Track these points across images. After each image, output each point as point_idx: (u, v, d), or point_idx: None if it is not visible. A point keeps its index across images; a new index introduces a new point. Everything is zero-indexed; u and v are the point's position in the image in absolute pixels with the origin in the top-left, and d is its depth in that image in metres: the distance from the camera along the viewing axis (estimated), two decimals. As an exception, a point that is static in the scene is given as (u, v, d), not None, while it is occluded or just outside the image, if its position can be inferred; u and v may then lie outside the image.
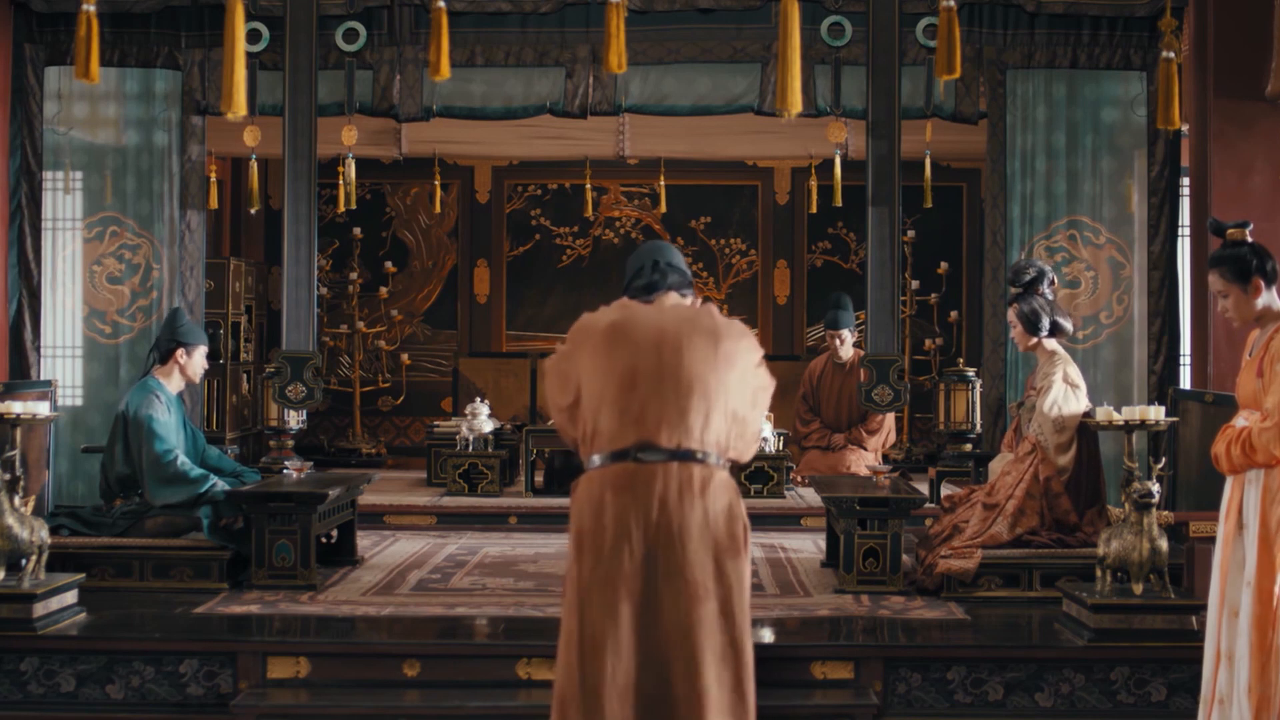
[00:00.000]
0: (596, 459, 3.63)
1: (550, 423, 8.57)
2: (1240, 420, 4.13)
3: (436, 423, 10.01)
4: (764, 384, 3.78)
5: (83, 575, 5.57)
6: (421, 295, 12.35)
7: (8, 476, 5.13)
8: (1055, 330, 6.17)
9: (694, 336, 3.66)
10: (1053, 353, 6.16)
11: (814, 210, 11.39)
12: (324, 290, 11.79)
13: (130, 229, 7.89)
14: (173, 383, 6.40)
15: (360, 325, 11.81)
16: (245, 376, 11.01)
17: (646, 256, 3.93)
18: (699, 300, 3.93)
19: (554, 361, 3.82)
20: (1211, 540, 4.57)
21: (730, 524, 3.59)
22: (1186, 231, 7.96)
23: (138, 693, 4.97)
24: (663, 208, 11.68)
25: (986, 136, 7.89)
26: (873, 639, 5.21)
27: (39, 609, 5.07)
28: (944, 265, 11.46)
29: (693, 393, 3.60)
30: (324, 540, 6.62)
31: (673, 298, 3.85)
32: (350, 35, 7.69)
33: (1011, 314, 6.24)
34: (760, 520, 7.58)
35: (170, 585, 5.99)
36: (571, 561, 3.63)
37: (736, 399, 3.66)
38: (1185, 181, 7.88)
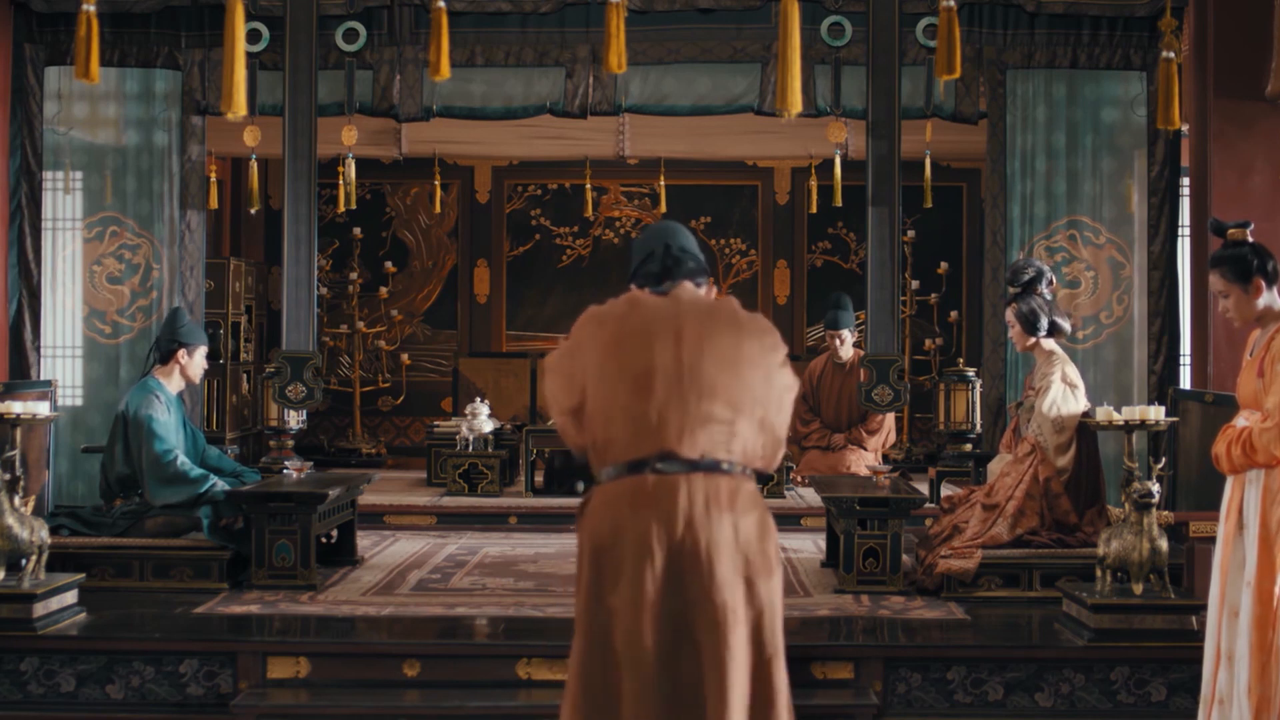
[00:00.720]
0: (610, 471, 3.26)
1: (551, 423, 8.61)
2: (1241, 420, 4.13)
3: (436, 423, 10.01)
4: (789, 384, 3.39)
5: (83, 575, 5.57)
6: (421, 295, 12.35)
7: (8, 476, 5.13)
8: (1053, 330, 6.17)
9: (715, 333, 3.29)
10: (1051, 353, 6.16)
11: (814, 210, 11.39)
12: (324, 290, 11.79)
13: (130, 229, 7.89)
14: (173, 383, 6.40)
15: (360, 325, 11.81)
16: (245, 376, 11.01)
17: (657, 240, 3.52)
18: (713, 290, 3.55)
19: (557, 359, 3.41)
20: (1211, 540, 4.57)
21: (762, 540, 3.23)
22: (1186, 231, 7.96)
23: (138, 693, 4.97)
24: (663, 208, 11.68)
25: (986, 136, 7.90)
26: (873, 639, 5.21)
27: (39, 609, 5.07)
28: (944, 265, 11.47)
29: (716, 396, 3.23)
30: (324, 540, 6.62)
31: (688, 288, 3.44)
32: (350, 35, 7.69)
33: (1010, 314, 6.24)
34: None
35: (170, 585, 5.99)
36: (585, 585, 3.25)
37: (762, 403, 3.29)
38: (1185, 181, 7.88)
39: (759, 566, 3.21)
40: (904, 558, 6.09)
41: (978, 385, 8.68)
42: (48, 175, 7.85)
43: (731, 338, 3.30)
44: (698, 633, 3.14)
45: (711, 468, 3.21)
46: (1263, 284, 4.16)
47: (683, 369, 3.23)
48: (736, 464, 3.24)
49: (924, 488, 7.81)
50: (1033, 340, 6.18)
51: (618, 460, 3.24)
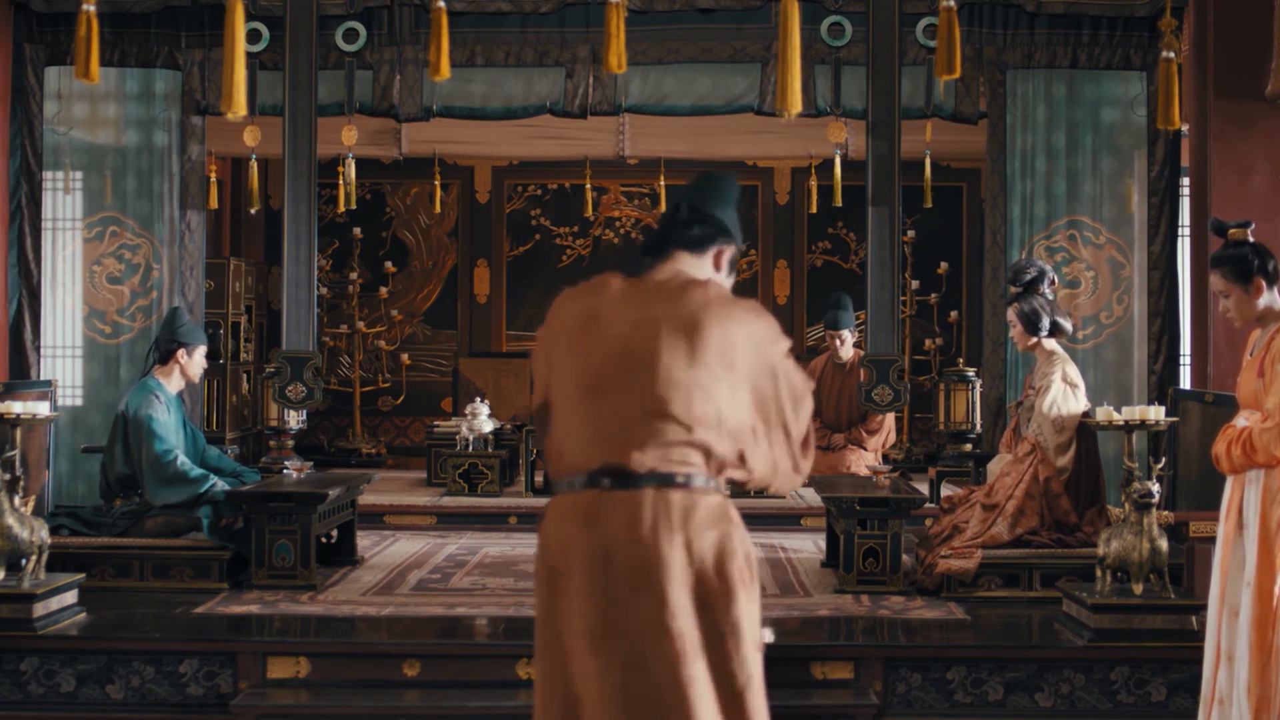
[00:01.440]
0: (563, 482, 2.90)
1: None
2: (1241, 420, 4.13)
3: (436, 423, 10.01)
4: (788, 381, 2.92)
5: (83, 575, 5.57)
6: (421, 295, 12.35)
7: (8, 476, 5.13)
8: (1055, 330, 6.17)
9: (674, 323, 2.84)
10: (1051, 353, 6.15)
11: (814, 210, 11.40)
12: (324, 290, 11.78)
13: (130, 229, 7.89)
14: (172, 383, 6.40)
15: (360, 325, 11.81)
16: (245, 376, 11.01)
17: (680, 198, 3.08)
18: (724, 257, 3.06)
19: (534, 346, 3.07)
20: (1211, 540, 4.57)
21: (722, 561, 2.80)
22: (1186, 231, 7.96)
23: (138, 693, 4.97)
24: (663, 208, 11.66)
25: (986, 136, 7.89)
26: (873, 639, 5.21)
27: (39, 609, 5.07)
28: (944, 265, 11.46)
29: (670, 400, 2.80)
30: (324, 540, 6.62)
31: (679, 263, 3.00)
32: (350, 35, 7.69)
33: (1011, 313, 6.24)
34: (760, 520, 7.60)
35: (170, 585, 5.99)
36: (540, 608, 2.92)
37: (732, 405, 2.84)
38: (1185, 181, 7.88)
39: (718, 591, 2.80)
40: (904, 558, 6.09)
41: (978, 385, 8.68)
42: (48, 175, 7.85)
43: (690, 328, 2.84)
44: (652, 665, 2.76)
45: (664, 481, 2.81)
46: (1263, 284, 4.16)
47: (635, 368, 2.83)
48: (696, 476, 2.82)
49: (924, 488, 7.81)
50: (1034, 340, 6.17)
51: (569, 470, 2.89)
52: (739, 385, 2.85)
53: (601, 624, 2.78)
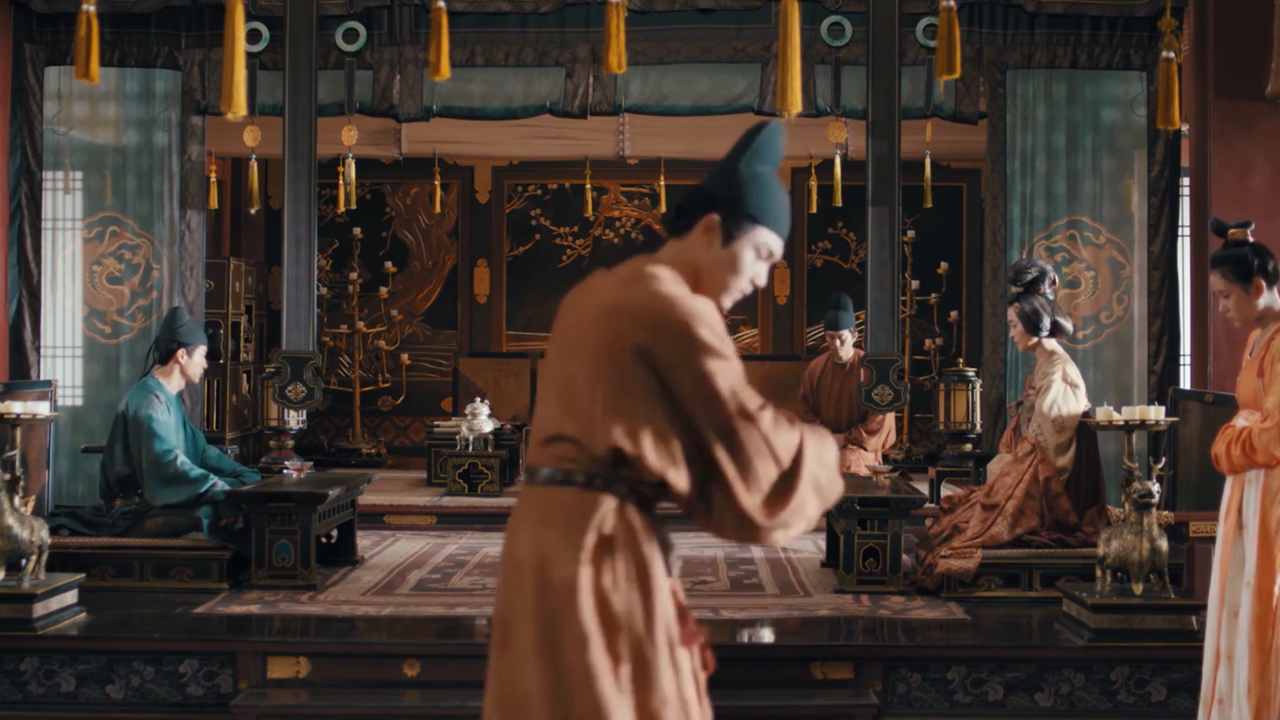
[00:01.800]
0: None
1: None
2: (1240, 420, 4.13)
3: (436, 423, 10.02)
4: (684, 382, 2.50)
5: (83, 575, 5.57)
6: (421, 295, 12.35)
7: (8, 476, 5.13)
8: (1055, 330, 6.17)
9: (588, 317, 2.61)
10: (1052, 353, 6.15)
11: (814, 210, 11.40)
12: (324, 290, 11.79)
13: (130, 229, 7.89)
14: (172, 383, 6.40)
15: (360, 325, 11.81)
16: (245, 376, 11.01)
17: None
18: (706, 225, 2.63)
19: None
20: (1211, 540, 4.57)
21: (571, 569, 2.53)
22: (1186, 231, 7.97)
23: (138, 693, 4.98)
24: (663, 208, 11.67)
25: (986, 136, 7.89)
26: (873, 639, 5.21)
27: (39, 609, 5.07)
28: (944, 265, 11.47)
29: (560, 395, 2.61)
30: (324, 540, 6.62)
31: (658, 252, 2.71)
32: (350, 35, 7.69)
33: (1012, 313, 6.24)
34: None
35: (170, 585, 5.99)
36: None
37: (613, 401, 2.53)
38: (1185, 181, 7.88)
39: (561, 611, 2.55)
40: (904, 558, 6.09)
41: (978, 385, 8.68)
42: (48, 175, 7.85)
43: (588, 318, 2.61)
44: (525, 660, 2.67)
45: (549, 478, 2.61)
46: (1263, 284, 4.16)
47: (554, 363, 2.66)
48: (575, 473, 2.57)
49: (924, 488, 7.81)
50: (1035, 340, 6.17)
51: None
52: (626, 381, 2.53)
53: (502, 618, 2.70)
